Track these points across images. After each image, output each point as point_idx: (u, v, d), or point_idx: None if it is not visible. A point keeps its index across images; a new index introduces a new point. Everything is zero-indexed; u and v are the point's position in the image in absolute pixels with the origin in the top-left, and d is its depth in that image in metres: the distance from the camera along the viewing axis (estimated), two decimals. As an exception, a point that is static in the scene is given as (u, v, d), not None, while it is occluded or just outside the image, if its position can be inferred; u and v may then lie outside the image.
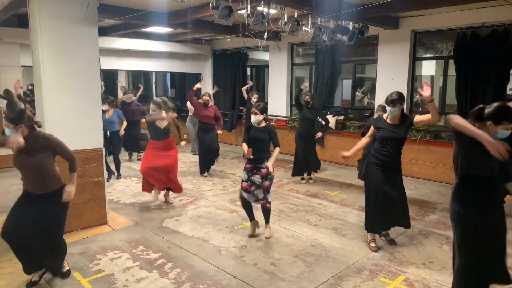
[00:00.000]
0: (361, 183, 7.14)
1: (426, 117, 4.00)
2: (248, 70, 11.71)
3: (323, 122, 7.11)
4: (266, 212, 4.52)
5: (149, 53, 10.88)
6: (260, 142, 4.44)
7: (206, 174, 7.61)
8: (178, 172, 6.13)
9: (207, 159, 7.58)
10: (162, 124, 5.58)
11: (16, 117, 3.20)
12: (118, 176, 7.37)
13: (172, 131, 5.84)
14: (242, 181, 4.53)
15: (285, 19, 5.74)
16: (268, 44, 9.47)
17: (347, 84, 10.48)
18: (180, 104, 12.19)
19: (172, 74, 14.11)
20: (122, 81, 14.00)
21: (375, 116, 5.60)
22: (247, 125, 4.67)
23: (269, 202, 4.47)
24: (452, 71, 7.23)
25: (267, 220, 4.57)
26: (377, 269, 3.90)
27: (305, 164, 7.07)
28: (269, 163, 4.39)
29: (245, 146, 4.48)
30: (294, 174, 7.20)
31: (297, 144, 7.09)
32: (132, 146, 8.91)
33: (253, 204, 4.53)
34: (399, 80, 7.82)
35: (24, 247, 3.37)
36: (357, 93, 9.63)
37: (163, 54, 11.09)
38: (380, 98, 8.07)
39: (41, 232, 3.37)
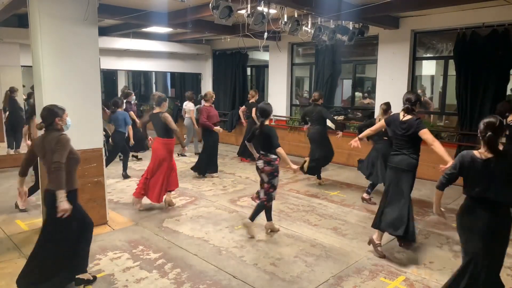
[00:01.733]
0: (361, 182, 7.17)
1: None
2: (248, 70, 11.71)
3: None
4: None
5: (149, 53, 10.87)
6: None
7: (216, 175, 7.57)
8: (178, 172, 6.17)
9: (215, 159, 7.58)
10: None
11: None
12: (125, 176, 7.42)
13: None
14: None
15: (285, 19, 5.74)
16: (268, 44, 9.47)
17: (347, 84, 10.49)
18: (180, 104, 12.19)
19: (172, 74, 14.11)
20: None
21: (389, 114, 5.58)
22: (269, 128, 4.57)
23: None
24: (452, 71, 7.23)
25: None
26: (377, 269, 3.90)
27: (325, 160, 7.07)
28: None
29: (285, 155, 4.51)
30: (317, 173, 7.09)
31: (318, 145, 6.92)
32: (138, 146, 8.82)
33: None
34: (399, 80, 7.81)
35: None
36: (356, 93, 9.63)
37: (163, 54, 11.08)
38: (380, 99, 8.07)
39: None
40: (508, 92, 7.03)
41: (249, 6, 5.15)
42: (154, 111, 5.49)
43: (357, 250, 4.31)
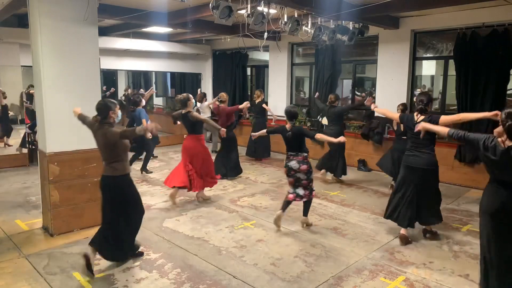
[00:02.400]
0: (361, 183, 7.17)
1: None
2: (248, 70, 11.70)
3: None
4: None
5: (149, 53, 10.87)
6: None
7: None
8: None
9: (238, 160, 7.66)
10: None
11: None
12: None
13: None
14: None
15: (285, 19, 5.74)
16: (268, 44, 9.46)
17: (347, 84, 10.48)
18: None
19: (172, 74, 14.10)
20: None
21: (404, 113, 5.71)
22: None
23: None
24: (452, 71, 7.23)
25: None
26: (377, 269, 3.90)
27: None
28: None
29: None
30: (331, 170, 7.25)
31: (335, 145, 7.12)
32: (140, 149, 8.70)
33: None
34: (399, 80, 7.81)
35: None
36: (356, 93, 9.63)
37: (163, 54, 11.08)
38: (380, 99, 8.06)
39: None
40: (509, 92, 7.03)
41: (249, 6, 5.15)
42: (183, 112, 5.82)
43: (357, 250, 4.31)
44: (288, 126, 4.80)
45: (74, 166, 4.66)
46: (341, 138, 4.78)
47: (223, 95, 7.58)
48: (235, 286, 3.56)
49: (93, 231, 4.70)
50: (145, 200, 5.98)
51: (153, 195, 6.30)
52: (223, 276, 3.73)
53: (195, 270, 3.84)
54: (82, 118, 4.07)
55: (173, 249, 4.33)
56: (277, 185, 7.00)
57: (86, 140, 4.71)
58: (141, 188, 6.74)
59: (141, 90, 9.41)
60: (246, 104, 7.63)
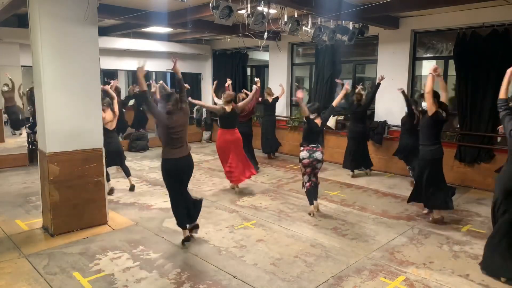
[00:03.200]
0: (361, 182, 7.17)
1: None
2: (248, 70, 11.71)
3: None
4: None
5: (149, 53, 10.86)
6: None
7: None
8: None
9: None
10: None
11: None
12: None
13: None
14: None
15: (285, 19, 5.74)
16: (268, 44, 9.46)
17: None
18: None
19: (172, 74, 14.09)
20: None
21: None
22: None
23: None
24: (452, 71, 7.23)
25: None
26: (377, 269, 3.90)
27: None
28: None
29: None
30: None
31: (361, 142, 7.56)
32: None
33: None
34: (399, 80, 7.80)
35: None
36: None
37: (163, 54, 11.07)
38: (380, 98, 8.06)
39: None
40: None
41: (249, 6, 5.15)
42: (228, 110, 6.28)
43: (357, 250, 4.31)
44: (318, 121, 5.21)
45: (74, 166, 4.66)
46: (347, 85, 5.53)
47: (242, 95, 7.66)
48: (235, 286, 3.56)
49: (93, 231, 4.75)
50: (145, 200, 6.00)
51: (153, 195, 6.30)
52: (223, 276, 3.73)
53: (195, 270, 3.84)
54: (146, 102, 4.27)
55: (173, 249, 4.33)
56: (277, 185, 7.00)
57: (86, 140, 4.74)
58: (141, 188, 6.74)
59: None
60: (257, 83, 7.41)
